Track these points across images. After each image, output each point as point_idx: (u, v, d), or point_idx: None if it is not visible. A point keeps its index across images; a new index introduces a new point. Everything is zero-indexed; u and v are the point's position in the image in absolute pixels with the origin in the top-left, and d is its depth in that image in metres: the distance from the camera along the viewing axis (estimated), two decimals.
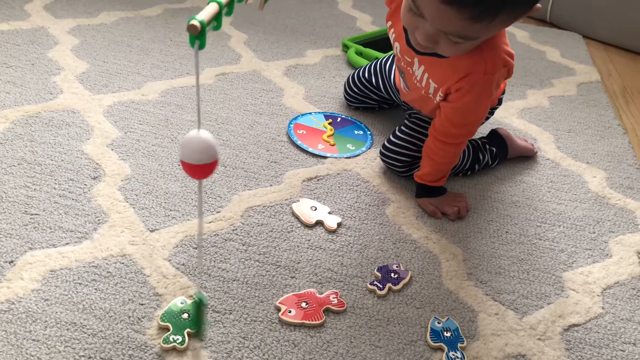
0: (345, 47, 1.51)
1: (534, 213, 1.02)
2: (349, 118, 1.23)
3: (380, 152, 1.06)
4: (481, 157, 1.09)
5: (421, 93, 0.98)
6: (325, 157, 1.09)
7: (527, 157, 1.17)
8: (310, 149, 1.10)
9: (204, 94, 1.25)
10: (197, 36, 0.56)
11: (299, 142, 1.12)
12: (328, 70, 1.42)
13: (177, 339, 0.72)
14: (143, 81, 1.26)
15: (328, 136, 1.16)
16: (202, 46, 0.57)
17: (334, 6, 1.82)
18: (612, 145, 1.25)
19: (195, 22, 0.55)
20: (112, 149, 1.04)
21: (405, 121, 1.09)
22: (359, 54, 1.46)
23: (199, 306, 0.70)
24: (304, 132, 1.16)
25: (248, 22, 1.61)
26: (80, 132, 1.07)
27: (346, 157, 1.10)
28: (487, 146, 1.11)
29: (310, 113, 1.23)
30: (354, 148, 1.13)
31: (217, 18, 0.59)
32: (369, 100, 1.23)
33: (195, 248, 0.86)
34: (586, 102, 1.41)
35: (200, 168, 0.60)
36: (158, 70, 1.31)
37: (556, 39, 1.75)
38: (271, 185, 1.00)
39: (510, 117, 1.30)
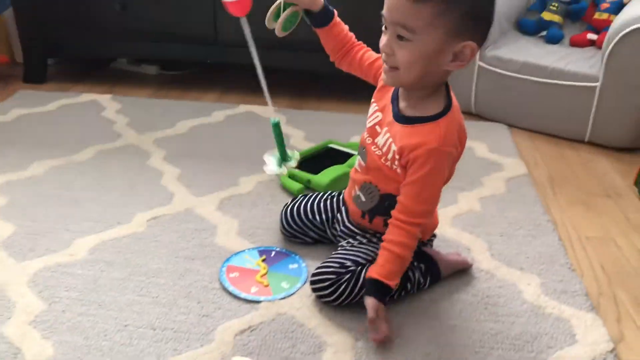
0: None
1: (472, 337, 1.01)
2: (284, 251, 1.23)
3: (310, 281, 1.07)
4: (411, 274, 1.09)
5: (380, 161, 1.01)
6: (258, 302, 1.08)
7: (463, 270, 1.18)
8: (243, 295, 1.09)
9: (134, 244, 1.23)
10: None
11: (231, 289, 1.10)
12: (262, 198, 1.43)
13: None
14: (72, 239, 1.24)
15: (262, 276, 1.14)
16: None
17: (268, 125, 1.86)
18: (543, 245, 1.27)
19: None
20: (34, 327, 0.99)
21: (338, 249, 1.10)
22: (292, 176, 1.49)
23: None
24: (237, 274, 1.14)
25: (183, 154, 1.63)
26: (1, 310, 1.03)
27: (280, 299, 1.09)
28: (415, 263, 1.11)
29: (243, 251, 1.22)
30: (288, 286, 1.12)
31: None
32: (306, 237, 1.24)
33: None
34: (515, 200, 1.45)
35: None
36: (88, 224, 1.29)
37: (483, 133, 1.82)
38: (202, 346, 0.97)
39: (444, 227, 1.32)
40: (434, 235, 1.18)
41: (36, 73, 2.14)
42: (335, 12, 1.08)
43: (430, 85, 0.96)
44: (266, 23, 1.04)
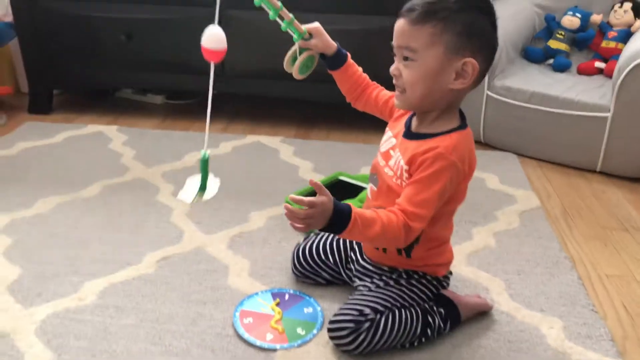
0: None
1: None
2: (298, 293, 1.20)
3: (328, 329, 1.04)
4: (431, 320, 1.06)
5: (391, 181, 1.00)
6: (274, 350, 1.04)
7: (483, 313, 1.15)
8: (258, 343, 1.05)
9: (144, 287, 1.20)
10: None
11: (245, 336, 1.07)
12: (273, 235, 1.41)
13: None
14: (80, 282, 1.21)
15: (276, 321, 1.11)
16: None
17: (275, 156, 1.85)
18: (563, 284, 1.24)
19: None
20: None
21: (355, 293, 1.08)
22: None
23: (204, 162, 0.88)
24: (251, 319, 1.11)
25: None
26: None
27: (297, 346, 1.05)
28: (435, 308, 1.08)
29: (256, 293, 1.19)
30: (304, 332, 1.09)
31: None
32: (319, 278, 1.21)
33: None
34: (531, 234, 1.43)
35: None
36: (96, 266, 1.26)
37: (493, 163, 1.81)
38: None
39: (459, 265, 1.29)
40: (450, 273, 1.15)
41: (42, 104, 2.13)
42: (349, 54, 1.10)
43: (439, 107, 0.97)
44: (284, 67, 1.07)
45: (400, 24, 0.94)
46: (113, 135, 1.94)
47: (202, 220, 1.46)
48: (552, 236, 1.42)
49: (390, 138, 1.06)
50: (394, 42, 0.96)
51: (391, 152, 1.03)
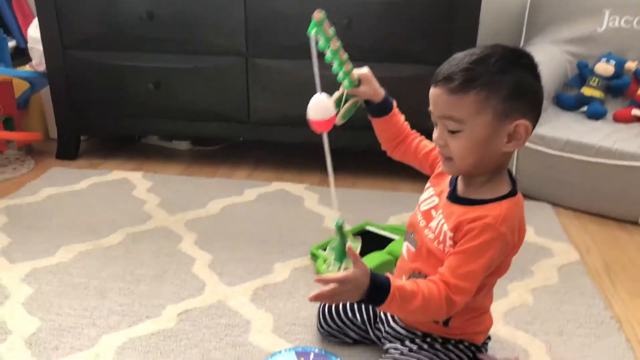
0: (314, 256, 1.46)
1: None
2: (322, 352, 1.13)
3: None
4: None
5: (432, 245, 0.94)
6: None
7: None
8: None
9: (163, 343, 1.15)
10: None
11: None
12: (297, 288, 1.35)
13: None
14: (98, 335, 1.16)
15: None
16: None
17: (300, 204, 1.81)
18: (610, 348, 1.15)
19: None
20: None
21: (386, 355, 1.02)
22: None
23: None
24: None
25: (214, 237, 1.57)
26: None
27: None
28: None
29: (279, 352, 1.12)
30: None
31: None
32: (345, 337, 1.15)
33: None
34: (571, 291, 1.34)
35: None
36: (115, 318, 1.22)
37: (527, 213, 1.69)
38: None
39: (496, 324, 1.20)
40: (489, 338, 1.07)
41: (69, 150, 2.14)
42: (395, 102, 1.06)
43: (490, 170, 0.91)
44: None
45: (437, 93, 0.86)
46: (138, 182, 1.93)
47: (225, 271, 1.41)
48: (594, 293, 1.34)
49: (432, 196, 0.99)
50: (434, 112, 0.89)
51: (433, 212, 0.97)
